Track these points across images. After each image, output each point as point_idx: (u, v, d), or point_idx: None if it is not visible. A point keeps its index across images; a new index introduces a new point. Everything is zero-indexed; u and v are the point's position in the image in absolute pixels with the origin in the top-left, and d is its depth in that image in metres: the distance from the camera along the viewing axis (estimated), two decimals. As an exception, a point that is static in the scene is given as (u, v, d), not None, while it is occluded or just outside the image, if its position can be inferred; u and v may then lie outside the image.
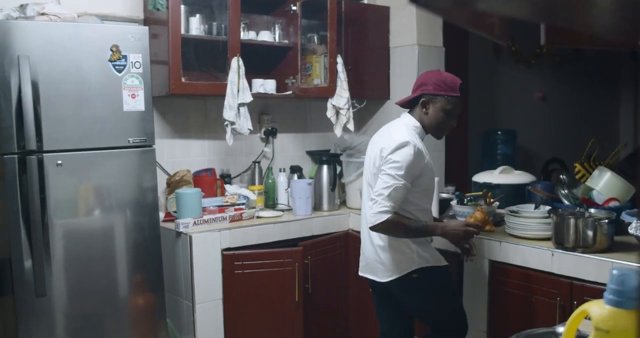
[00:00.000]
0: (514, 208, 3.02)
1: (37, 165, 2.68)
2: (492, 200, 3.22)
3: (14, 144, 2.64)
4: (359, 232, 3.59)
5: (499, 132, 5.44)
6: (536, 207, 2.99)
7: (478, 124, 5.39)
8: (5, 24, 2.66)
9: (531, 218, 2.87)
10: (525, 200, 3.29)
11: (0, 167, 2.69)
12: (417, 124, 2.63)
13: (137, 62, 2.90)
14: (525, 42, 5.24)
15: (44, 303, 2.76)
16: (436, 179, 3.34)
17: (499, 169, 3.59)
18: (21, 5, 2.96)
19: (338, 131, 3.77)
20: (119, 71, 2.87)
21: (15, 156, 2.65)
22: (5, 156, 2.64)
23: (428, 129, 2.65)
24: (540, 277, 2.70)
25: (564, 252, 2.63)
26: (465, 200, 3.27)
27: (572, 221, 2.63)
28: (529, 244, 2.78)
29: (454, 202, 3.28)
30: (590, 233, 2.59)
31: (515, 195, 3.37)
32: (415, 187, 2.52)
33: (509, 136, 5.44)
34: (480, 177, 3.59)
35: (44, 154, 2.71)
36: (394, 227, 2.47)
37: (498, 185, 3.45)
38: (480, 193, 3.26)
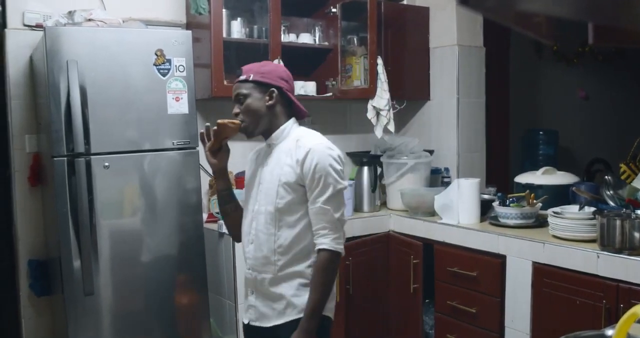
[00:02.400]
0: (557, 209, 2.98)
1: (85, 168, 2.75)
2: (535, 201, 3.18)
3: (63, 146, 2.72)
4: (400, 233, 3.61)
5: (541, 132, 5.36)
6: (580, 208, 2.94)
7: (519, 124, 5.32)
8: (55, 30, 2.74)
9: (575, 220, 2.83)
10: (568, 201, 3.24)
11: (50, 170, 2.77)
12: None
13: (180, 65, 2.96)
14: (567, 40, 5.17)
15: (91, 301, 2.83)
16: (475, 180, 3.34)
17: (542, 169, 3.54)
18: (69, 12, 3.05)
19: (379, 132, 3.77)
20: (164, 75, 2.92)
21: (65, 159, 2.73)
22: (55, 159, 2.72)
23: None
24: (585, 279, 2.66)
25: (610, 254, 2.59)
26: (508, 201, 3.24)
27: (618, 223, 2.59)
28: (573, 246, 2.74)
29: (496, 204, 3.25)
30: (637, 235, 2.54)
31: (559, 196, 3.31)
32: None
33: (551, 136, 5.36)
34: (523, 178, 3.54)
35: (92, 157, 2.78)
36: None
37: (541, 186, 3.40)
38: (523, 194, 3.23)
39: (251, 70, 2.14)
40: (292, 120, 2.19)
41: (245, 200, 2.23)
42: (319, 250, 2.03)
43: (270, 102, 2.12)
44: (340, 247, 2.05)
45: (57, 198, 2.75)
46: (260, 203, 2.13)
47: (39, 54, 2.94)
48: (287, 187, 2.06)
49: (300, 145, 2.08)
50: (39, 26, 3.17)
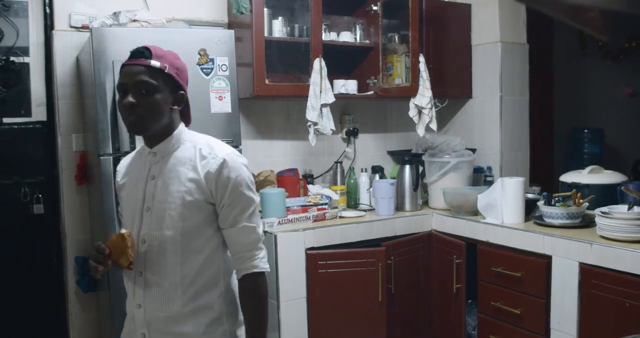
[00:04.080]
0: (605, 209, 2.91)
1: (131, 166, 2.79)
2: (581, 200, 3.12)
3: (109, 145, 2.77)
4: (442, 233, 3.57)
5: (586, 131, 5.26)
6: (629, 208, 2.87)
7: (563, 123, 5.23)
8: (101, 31, 2.78)
9: (624, 220, 2.75)
10: (616, 201, 3.17)
11: (97, 168, 2.82)
12: None
13: (223, 64, 2.98)
14: (618, 35, 5.05)
15: (137, 298, 2.86)
16: (520, 179, 3.28)
17: (588, 168, 3.47)
18: (114, 13, 3.09)
19: (421, 131, 3.74)
20: (207, 74, 2.95)
21: (111, 157, 2.77)
22: (102, 157, 2.77)
23: None
24: (636, 281, 2.58)
25: (661, 255, 2.52)
26: (554, 201, 3.18)
27: (669, 223, 2.52)
28: (622, 246, 2.67)
29: (540, 203, 3.19)
30: (690, 235, 2.47)
31: (606, 195, 3.24)
32: None
33: (596, 135, 5.26)
34: (568, 177, 3.47)
35: (137, 155, 2.82)
36: None
37: (587, 186, 3.33)
38: (569, 193, 3.16)
39: (165, 59, 1.74)
40: (183, 125, 1.84)
41: (126, 223, 1.82)
42: (252, 274, 1.78)
43: (175, 107, 1.77)
44: (268, 265, 1.82)
45: (103, 195, 2.79)
46: (152, 227, 1.75)
47: (85, 54, 2.99)
48: (192, 207, 1.74)
49: (207, 154, 1.77)
50: (85, 27, 3.23)
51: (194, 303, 1.75)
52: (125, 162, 1.92)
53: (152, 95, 1.70)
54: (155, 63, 1.70)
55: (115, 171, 1.88)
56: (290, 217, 3.27)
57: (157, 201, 1.74)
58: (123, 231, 1.68)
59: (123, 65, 1.73)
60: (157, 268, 1.74)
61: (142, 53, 1.71)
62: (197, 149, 1.78)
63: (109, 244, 1.68)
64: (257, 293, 1.79)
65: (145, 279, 1.75)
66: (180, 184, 1.74)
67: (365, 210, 3.66)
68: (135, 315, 1.77)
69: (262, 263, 1.79)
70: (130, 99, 1.68)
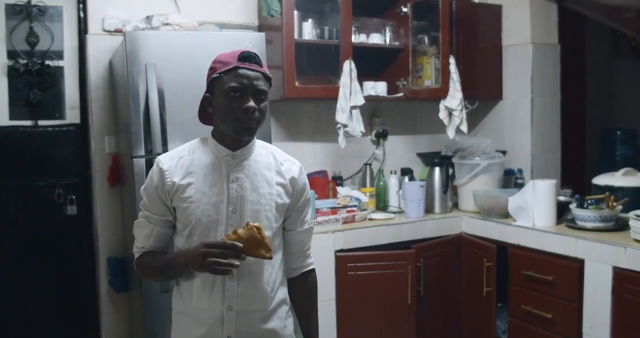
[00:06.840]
0: (639, 212, 2.87)
1: (163, 168, 2.82)
2: (614, 203, 3.07)
3: (142, 147, 2.80)
4: (472, 236, 3.55)
5: (618, 132, 5.17)
6: (665, 211, 2.82)
7: (595, 124, 5.15)
8: (134, 35, 2.82)
9: (659, 223, 2.71)
10: (651, 204, 3.12)
11: (130, 169, 2.86)
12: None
13: (254, 67, 2.99)
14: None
15: (168, 298, 2.87)
16: (551, 181, 3.24)
17: (622, 170, 3.41)
18: (147, 17, 3.14)
19: (451, 133, 3.72)
20: (238, 77, 2.96)
21: (143, 159, 2.81)
22: (134, 159, 2.80)
23: (222, 130, 1.79)
24: (671, 285, 2.55)
25: (698, 259, 2.47)
26: (586, 203, 3.14)
27: None
28: (657, 250, 2.63)
29: (573, 206, 3.16)
30: None
31: (640, 198, 3.20)
32: (178, 223, 1.80)
33: (629, 136, 5.16)
34: (601, 180, 3.42)
35: (169, 157, 2.85)
36: (142, 271, 1.87)
37: (621, 188, 3.27)
38: (602, 196, 3.12)
39: (263, 65, 1.78)
40: None
41: (203, 225, 1.75)
42: (311, 270, 1.98)
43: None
44: None
45: (135, 197, 2.82)
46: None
47: (118, 57, 3.04)
48: (281, 210, 1.82)
49: (282, 160, 1.86)
50: (118, 31, 3.28)
51: (276, 299, 1.84)
52: (173, 161, 1.81)
53: (265, 102, 1.76)
54: (264, 70, 1.76)
55: (158, 171, 1.79)
56: (319, 218, 3.28)
57: (248, 202, 1.77)
58: (253, 224, 1.66)
59: (237, 68, 1.72)
60: (255, 268, 1.76)
61: (254, 58, 1.75)
62: (271, 154, 1.86)
63: (237, 239, 1.63)
64: (315, 287, 2.01)
65: (239, 279, 1.76)
66: (270, 187, 1.80)
67: (394, 213, 3.65)
68: (225, 317, 1.76)
69: (313, 260, 2.00)
70: (251, 103, 1.70)
